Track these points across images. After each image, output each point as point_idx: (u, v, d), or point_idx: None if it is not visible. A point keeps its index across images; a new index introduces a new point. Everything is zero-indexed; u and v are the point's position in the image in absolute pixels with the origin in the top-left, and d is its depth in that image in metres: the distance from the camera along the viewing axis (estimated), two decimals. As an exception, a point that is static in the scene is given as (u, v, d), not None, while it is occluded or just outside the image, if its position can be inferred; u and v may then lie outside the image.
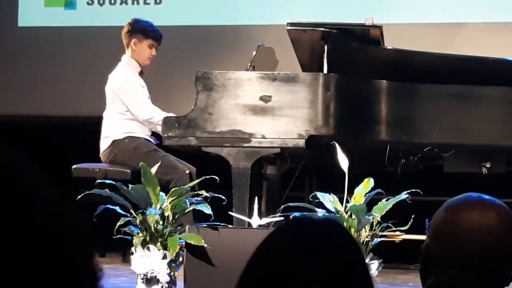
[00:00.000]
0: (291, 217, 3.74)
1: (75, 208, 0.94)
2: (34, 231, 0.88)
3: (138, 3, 6.98)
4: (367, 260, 4.14)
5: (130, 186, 4.33)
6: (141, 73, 5.58)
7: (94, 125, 5.54)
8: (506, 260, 1.72)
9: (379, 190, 4.19)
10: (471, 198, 1.76)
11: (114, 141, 5.42)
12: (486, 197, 1.76)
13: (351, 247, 1.31)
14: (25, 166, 0.92)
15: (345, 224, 4.10)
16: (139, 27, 5.60)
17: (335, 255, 1.28)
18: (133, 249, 4.30)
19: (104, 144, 5.46)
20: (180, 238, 4.22)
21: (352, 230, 4.11)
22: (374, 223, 4.18)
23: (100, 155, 5.49)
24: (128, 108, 5.40)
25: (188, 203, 4.30)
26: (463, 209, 1.73)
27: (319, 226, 1.34)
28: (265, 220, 4.33)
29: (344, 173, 4.20)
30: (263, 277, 1.28)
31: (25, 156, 0.93)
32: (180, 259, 4.30)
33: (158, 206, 4.28)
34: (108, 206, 4.23)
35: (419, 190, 4.18)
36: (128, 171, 5.27)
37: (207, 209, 4.24)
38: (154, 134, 5.51)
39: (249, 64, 5.26)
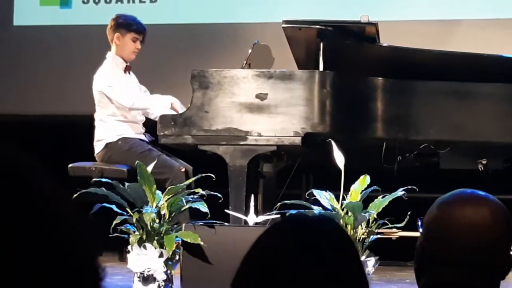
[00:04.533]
0: (286, 214, 3.74)
1: (78, 208, 0.94)
2: (38, 230, 0.88)
3: (133, 2, 6.97)
4: (363, 257, 4.14)
5: (127, 184, 4.33)
6: (128, 68, 5.53)
7: (90, 123, 5.53)
8: (501, 255, 1.72)
9: (375, 187, 4.19)
10: (464, 194, 1.75)
11: (107, 144, 5.40)
12: (479, 192, 1.75)
13: (345, 244, 1.31)
14: (32, 166, 0.92)
15: (341, 221, 4.10)
16: (121, 21, 5.55)
17: (329, 251, 1.28)
18: (129, 247, 4.30)
19: (98, 147, 5.45)
20: (176, 236, 4.22)
21: (349, 227, 4.11)
22: (371, 220, 4.18)
23: (95, 156, 5.48)
24: (115, 104, 5.39)
25: (184, 201, 4.30)
26: (456, 205, 1.72)
27: (313, 223, 1.34)
28: (261, 218, 4.33)
29: (340, 171, 4.20)
30: (258, 274, 1.28)
31: (33, 157, 0.92)
32: (177, 257, 4.30)
33: (155, 205, 4.28)
34: (105, 204, 4.23)
35: (415, 187, 4.18)
36: (125, 169, 5.27)
37: (203, 207, 4.24)
38: (148, 131, 5.49)
39: (245, 62, 5.26)
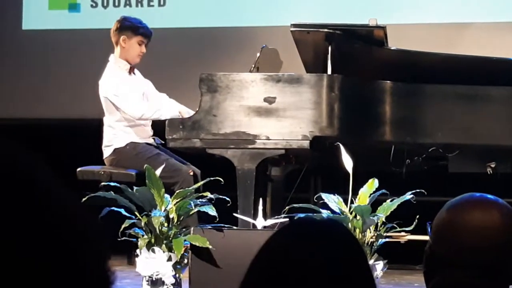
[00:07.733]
0: (295, 218, 3.74)
1: (88, 211, 0.94)
2: (48, 234, 0.87)
3: (142, 5, 6.98)
4: (372, 261, 4.13)
5: (135, 188, 4.33)
6: (131, 70, 5.49)
7: (98, 127, 5.54)
8: (510, 258, 1.71)
9: (383, 190, 4.18)
10: (473, 198, 1.75)
11: (116, 149, 5.39)
12: (488, 196, 1.75)
13: (353, 248, 1.31)
14: (41, 168, 0.91)
15: (349, 225, 4.09)
16: (128, 24, 5.49)
17: (338, 255, 1.28)
18: (138, 251, 4.30)
19: (107, 152, 5.45)
20: (185, 240, 4.22)
21: (357, 230, 4.11)
22: (379, 224, 4.17)
23: (104, 160, 5.48)
24: (122, 112, 5.37)
25: (192, 205, 4.30)
26: (465, 209, 1.72)
27: (321, 226, 1.34)
28: (270, 222, 4.33)
29: (349, 174, 4.20)
30: (266, 278, 1.28)
31: (42, 159, 0.92)
32: (185, 261, 4.31)
33: (163, 208, 4.28)
34: (113, 208, 4.23)
35: (423, 191, 4.18)
36: (133, 173, 5.27)
37: (212, 211, 4.24)
38: (157, 134, 5.48)
39: (253, 66, 5.26)
